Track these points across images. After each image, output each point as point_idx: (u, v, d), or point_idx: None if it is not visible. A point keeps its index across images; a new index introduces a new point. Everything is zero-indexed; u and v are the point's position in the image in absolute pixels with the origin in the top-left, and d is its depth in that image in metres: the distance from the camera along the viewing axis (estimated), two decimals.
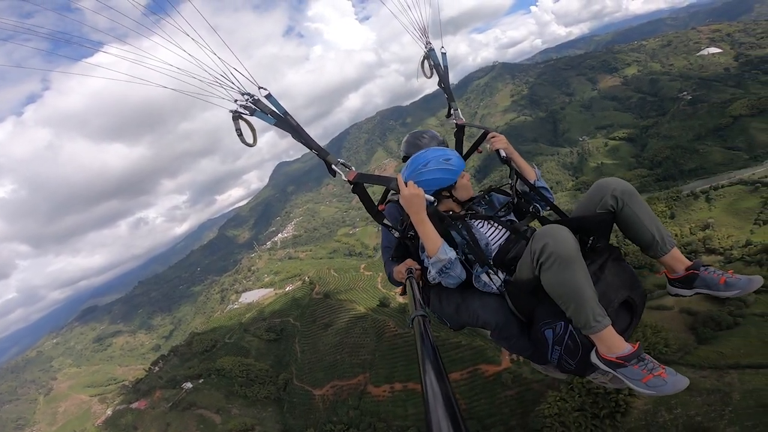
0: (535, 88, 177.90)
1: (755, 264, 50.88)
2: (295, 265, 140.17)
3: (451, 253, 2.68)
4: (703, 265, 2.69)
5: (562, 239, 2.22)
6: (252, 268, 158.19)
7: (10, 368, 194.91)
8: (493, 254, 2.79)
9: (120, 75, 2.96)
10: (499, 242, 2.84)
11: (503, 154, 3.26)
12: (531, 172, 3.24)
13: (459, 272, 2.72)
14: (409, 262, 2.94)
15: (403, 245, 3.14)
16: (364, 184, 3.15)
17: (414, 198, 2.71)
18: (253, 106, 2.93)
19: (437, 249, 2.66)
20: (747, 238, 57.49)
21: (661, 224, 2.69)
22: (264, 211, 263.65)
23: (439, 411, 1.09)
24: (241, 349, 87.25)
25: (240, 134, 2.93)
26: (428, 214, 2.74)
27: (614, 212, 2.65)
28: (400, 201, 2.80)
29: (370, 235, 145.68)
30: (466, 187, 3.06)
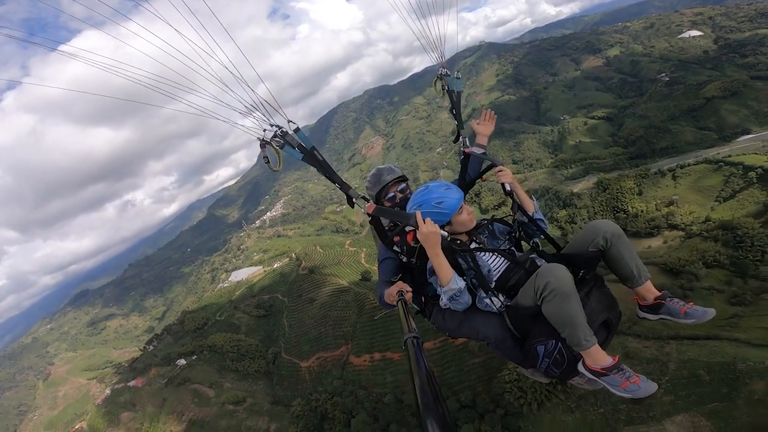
0: (520, 67, 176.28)
1: (711, 239, 52.81)
2: (284, 242, 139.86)
3: (461, 283, 3.04)
4: (669, 296, 3.16)
5: (562, 278, 2.66)
6: (241, 246, 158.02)
7: (6, 355, 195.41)
8: (495, 280, 3.17)
9: (162, 96, 3.08)
10: (500, 269, 3.21)
11: (508, 188, 3.48)
12: (531, 205, 3.53)
13: (467, 299, 3.09)
14: (400, 285, 3.09)
15: (408, 268, 3.48)
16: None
17: (431, 235, 2.97)
18: (282, 140, 3.09)
19: (449, 280, 3.01)
20: (707, 214, 60.00)
21: (640, 261, 3.13)
22: (253, 190, 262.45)
23: None
24: (231, 326, 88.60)
25: (267, 161, 3.13)
26: (441, 248, 3.03)
27: (603, 251, 3.10)
28: (418, 236, 3.04)
29: (357, 212, 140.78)
30: (463, 222, 3.30)
